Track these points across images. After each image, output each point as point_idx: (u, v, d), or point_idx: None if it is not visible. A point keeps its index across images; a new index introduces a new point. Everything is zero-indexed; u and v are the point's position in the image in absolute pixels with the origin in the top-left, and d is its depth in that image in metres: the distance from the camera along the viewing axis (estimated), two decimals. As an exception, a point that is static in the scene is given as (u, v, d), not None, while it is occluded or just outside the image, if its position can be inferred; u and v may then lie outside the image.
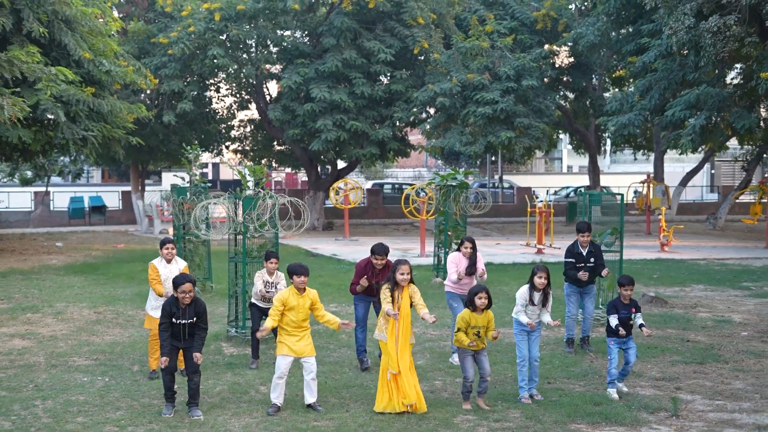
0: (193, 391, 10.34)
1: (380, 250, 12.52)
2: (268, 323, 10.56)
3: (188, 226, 18.53)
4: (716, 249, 30.34)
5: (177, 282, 10.29)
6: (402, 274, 10.69)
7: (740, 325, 16.01)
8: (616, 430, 9.74)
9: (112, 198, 47.46)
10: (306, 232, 37.67)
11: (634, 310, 11.40)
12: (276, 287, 12.86)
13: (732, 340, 14.66)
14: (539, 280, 11.05)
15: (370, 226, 43.46)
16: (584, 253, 13.85)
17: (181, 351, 10.51)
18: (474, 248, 13.33)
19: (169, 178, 49.02)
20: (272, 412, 10.35)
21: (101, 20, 29.42)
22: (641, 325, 11.44)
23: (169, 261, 12.54)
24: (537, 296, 11.12)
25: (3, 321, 16.71)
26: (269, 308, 12.38)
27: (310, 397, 10.60)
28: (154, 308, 12.29)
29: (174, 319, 10.26)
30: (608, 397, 10.97)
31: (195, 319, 10.35)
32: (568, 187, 57.72)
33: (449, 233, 21.02)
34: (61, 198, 46.67)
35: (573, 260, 13.89)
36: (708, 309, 17.82)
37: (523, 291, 11.21)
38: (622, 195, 17.86)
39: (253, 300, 13.23)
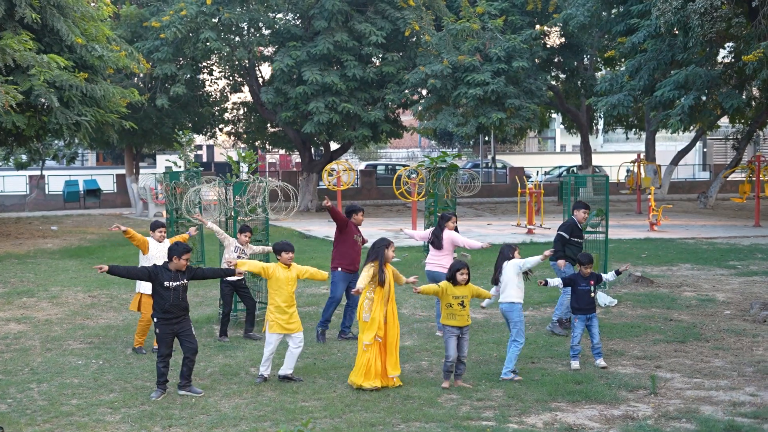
0: (188, 370, 10.65)
1: (357, 208, 14.23)
2: (248, 264, 11.32)
3: (180, 210, 18.78)
4: (705, 228, 30.62)
5: (181, 250, 10.64)
6: (393, 251, 11.30)
7: (723, 304, 16.30)
8: (595, 407, 10.03)
9: (106, 181, 47.67)
10: (299, 214, 37.99)
11: (593, 282, 11.91)
12: (245, 253, 13.61)
13: (714, 319, 14.94)
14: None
15: (364, 207, 43.60)
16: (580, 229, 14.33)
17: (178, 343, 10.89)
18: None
19: (163, 161, 49.21)
20: (258, 381, 11.10)
21: (93, 5, 29.51)
22: (617, 272, 12.37)
23: (160, 242, 13.08)
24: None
25: (-1, 305, 17.00)
26: (238, 280, 13.05)
27: (287, 369, 11.15)
28: (145, 287, 12.66)
29: (165, 282, 10.54)
30: (571, 367, 11.64)
31: (186, 280, 10.71)
32: (560, 167, 57.97)
33: (439, 215, 21.27)
34: (56, 181, 46.86)
35: (566, 234, 14.23)
36: (693, 288, 18.10)
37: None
38: (607, 176, 18.08)
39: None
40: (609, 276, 12.58)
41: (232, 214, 14.67)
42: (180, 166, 20.41)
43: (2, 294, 18.29)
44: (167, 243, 13.30)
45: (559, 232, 14.37)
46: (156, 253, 12.88)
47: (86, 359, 12.56)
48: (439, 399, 10.40)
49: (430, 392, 10.64)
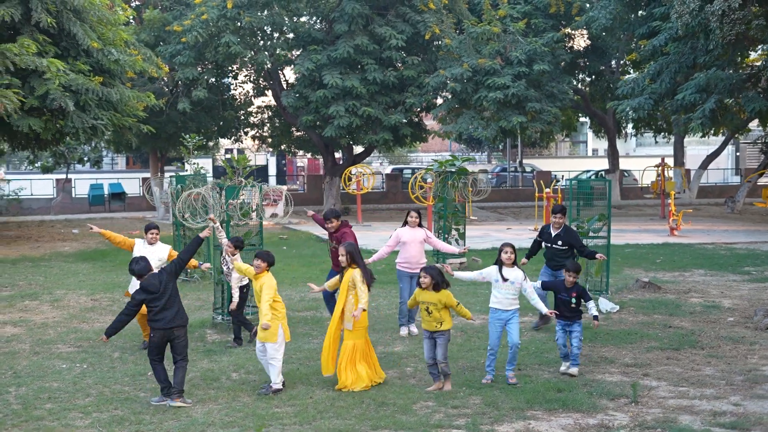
0: (180, 377, 10.48)
1: (330, 215, 14.09)
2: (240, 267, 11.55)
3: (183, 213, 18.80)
4: (727, 233, 30.19)
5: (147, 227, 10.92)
6: (342, 255, 11.31)
7: (728, 311, 15.99)
8: (571, 416, 9.83)
9: (132, 185, 47.90)
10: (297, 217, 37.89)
11: (575, 294, 11.59)
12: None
13: (715, 326, 14.65)
14: (505, 256, 11.26)
15: (386, 212, 43.57)
16: (552, 235, 14.06)
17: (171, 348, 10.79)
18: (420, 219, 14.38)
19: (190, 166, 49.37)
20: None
21: (111, 9, 29.64)
22: (595, 317, 11.76)
23: (151, 244, 13.03)
24: (509, 272, 11.31)
25: (0, 309, 17.03)
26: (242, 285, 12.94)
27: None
28: (134, 286, 12.64)
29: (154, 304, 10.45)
30: (568, 371, 11.51)
31: (170, 287, 10.58)
32: (588, 171, 57.50)
33: (448, 219, 21.11)
34: (82, 185, 47.15)
35: (539, 238, 14.15)
36: (700, 294, 17.78)
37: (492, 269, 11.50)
38: (610, 181, 17.83)
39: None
40: (592, 304, 11.95)
41: (225, 218, 14.58)
42: (196, 170, 20.42)
43: (7, 297, 18.37)
44: (160, 246, 13.33)
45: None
46: (145, 254, 12.74)
47: (71, 363, 12.54)
48: (414, 406, 10.25)
49: (407, 399, 10.49)
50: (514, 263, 11.36)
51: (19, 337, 14.35)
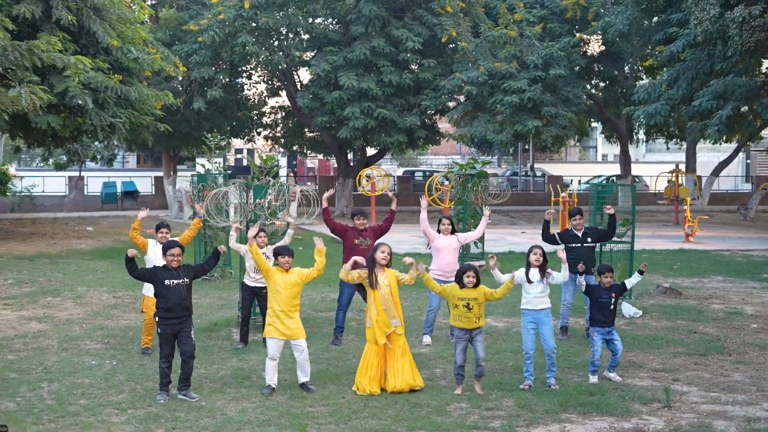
0: (186, 374, 10.63)
1: (358, 212, 14.41)
2: (255, 254, 11.23)
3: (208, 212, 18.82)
4: (742, 240, 30.17)
5: (166, 247, 10.83)
6: (381, 252, 11.19)
7: (751, 317, 16.00)
8: (605, 420, 9.85)
9: (145, 183, 48.00)
10: (335, 218, 37.91)
11: (614, 294, 11.60)
12: (266, 256, 13.40)
13: (740, 332, 14.67)
14: (534, 257, 11.34)
15: (399, 213, 43.40)
16: (579, 235, 14.07)
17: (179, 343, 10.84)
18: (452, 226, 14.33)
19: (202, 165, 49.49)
20: (266, 393, 10.76)
21: (132, 7, 29.73)
22: (640, 271, 12.07)
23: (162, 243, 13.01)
24: (534, 273, 11.34)
25: (24, 304, 17.09)
26: (257, 287, 13.15)
27: (303, 377, 11.02)
28: (149, 289, 12.68)
29: (165, 281, 10.56)
30: (590, 381, 11.40)
31: (187, 279, 10.69)
32: (599, 176, 57.50)
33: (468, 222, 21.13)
34: (94, 183, 47.24)
35: (558, 241, 14.16)
36: (722, 300, 17.80)
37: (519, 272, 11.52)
38: (633, 186, 17.85)
39: (245, 280, 13.64)
40: (633, 279, 12.20)
41: (252, 217, 14.62)
42: (216, 169, 20.49)
43: (29, 293, 18.43)
44: None
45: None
46: (155, 254, 12.82)
47: (100, 359, 12.57)
48: (448, 407, 10.27)
49: (440, 400, 10.51)
50: (542, 265, 11.37)
51: (45, 333, 14.39)
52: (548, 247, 12.56)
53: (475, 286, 10.93)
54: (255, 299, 13.84)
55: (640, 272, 12.17)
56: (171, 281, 10.54)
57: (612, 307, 11.55)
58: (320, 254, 11.27)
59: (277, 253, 11.18)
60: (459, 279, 10.98)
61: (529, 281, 11.32)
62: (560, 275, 11.57)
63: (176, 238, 12.57)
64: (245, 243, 13.64)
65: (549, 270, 11.39)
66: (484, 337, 11.23)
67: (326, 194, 13.95)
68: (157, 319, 10.67)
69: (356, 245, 13.94)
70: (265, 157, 15.36)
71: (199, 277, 11.22)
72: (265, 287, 13.48)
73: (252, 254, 11.28)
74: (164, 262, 10.82)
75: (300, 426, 8.30)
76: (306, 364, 10.98)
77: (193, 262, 12.89)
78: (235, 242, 13.45)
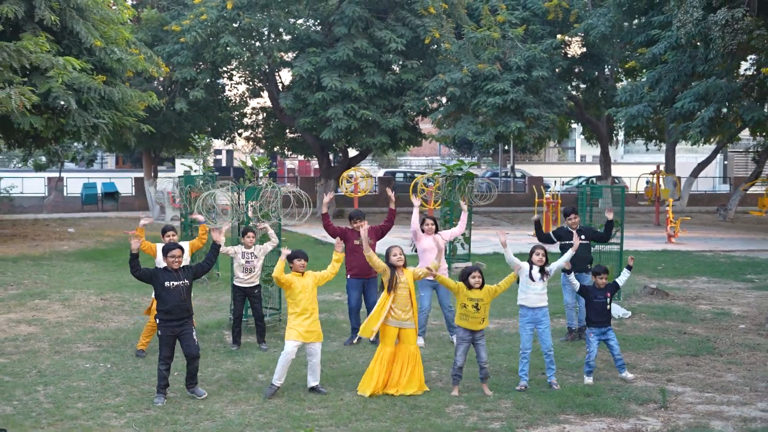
0: (192, 373, 10.70)
1: (356, 215, 14.15)
2: (279, 266, 11.01)
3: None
4: (723, 241, 30.39)
5: (166, 248, 10.87)
6: (395, 255, 11.17)
7: (739, 318, 16.14)
8: (604, 420, 9.91)
9: (125, 184, 47.76)
10: (316, 220, 37.86)
11: (609, 294, 11.72)
12: (255, 256, 13.56)
13: (729, 333, 14.79)
14: (537, 257, 11.46)
15: (381, 214, 43.41)
16: (574, 233, 14.20)
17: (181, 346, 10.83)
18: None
19: (182, 166, 49.27)
20: (269, 393, 10.74)
21: (114, 8, 29.59)
22: (628, 267, 12.20)
23: None
24: (536, 272, 11.44)
25: (11, 307, 16.98)
26: (249, 287, 12.93)
27: (313, 381, 11.01)
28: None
29: (165, 283, 10.57)
30: (585, 382, 11.46)
31: (187, 280, 10.71)
32: (579, 177, 57.74)
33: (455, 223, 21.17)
34: (74, 184, 46.96)
35: (554, 239, 14.44)
36: (708, 301, 17.94)
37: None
38: (623, 188, 17.97)
39: (235, 282, 13.62)
40: (623, 276, 12.29)
41: (245, 219, 14.60)
42: (196, 171, 20.43)
43: (15, 295, 18.32)
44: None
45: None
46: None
47: (94, 362, 12.52)
48: (446, 409, 10.31)
49: (438, 402, 10.55)
50: (544, 267, 11.44)
51: (36, 336, 14.31)
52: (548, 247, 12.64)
53: (481, 287, 10.97)
54: (247, 300, 13.86)
55: (629, 267, 12.28)
56: (171, 283, 10.55)
57: (608, 307, 11.65)
58: (338, 258, 11.40)
59: (292, 257, 11.15)
60: (465, 280, 11.00)
61: (533, 279, 11.38)
62: (556, 263, 11.72)
63: (186, 242, 12.58)
64: (236, 244, 13.70)
65: (547, 269, 11.48)
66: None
67: (326, 200, 13.91)
68: (158, 321, 10.66)
69: (357, 246, 13.94)
70: (257, 159, 15.33)
71: (200, 276, 11.18)
72: (256, 287, 13.57)
73: (276, 280, 11.16)
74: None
75: (306, 428, 8.31)
76: (317, 368, 11.02)
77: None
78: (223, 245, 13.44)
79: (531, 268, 11.44)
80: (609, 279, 16.14)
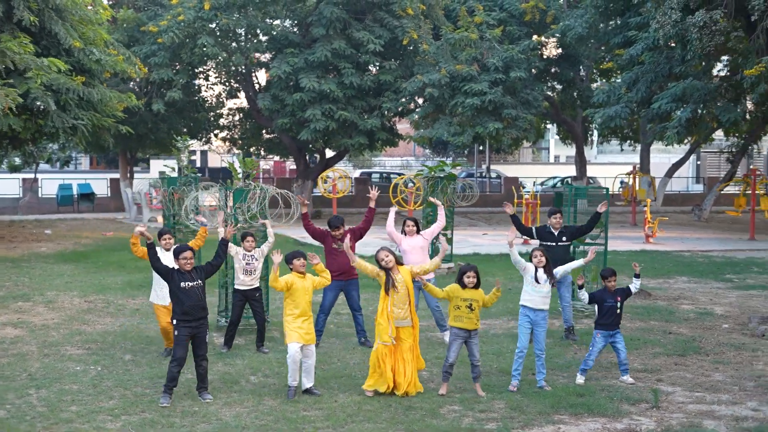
0: (202, 375, 10.76)
1: (336, 222, 14.12)
2: (278, 279, 11.05)
3: (178, 216, 18.68)
4: (700, 241, 30.65)
5: (177, 251, 10.85)
6: (382, 260, 11.19)
7: (722, 318, 16.30)
8: (598, 420, 9.99)
9: (100, 185, 47.54)
10: (295, 221, 37.88)
11: (619, 298, 11.72)
12: (255, 258, 13.57)
13: (713, 333, 14.95)
14: (536, 260, 11.58)
15: (358, 215, 43.44)
16: (555, 234, 14.31)
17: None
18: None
19: (157, 166, 49.05)
20: (291, 395, 10.80)
21: (91, 9, 29.44)
22: (636, 275, 12.29)
23: (167, 250, 12.75)
24: (542, 274, 11.53)
25: (-5, 309, 16.90)
26: (249, 290, 12.91)
27: (308, 382, 11.03)
28: (158, 297, 12.65)
29: (182, 284, 10.61)
30: (575, 381, 11.57)
31: (201, 281, 10.76)
32: (554, 178, 58.01)
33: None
34: (49, 185, 46.68)
35: (534, 236, 14.79)
36: (691, 301, 18.11)
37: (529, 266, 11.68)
38: (607, 189, 18.10)
39: (236, 285, 13.58)
40: (635, 285, 12.35)
41: (232, 220, 14.57)
42: (172, 170, 20.32)
43: (-2, 297, 18.22)
44: None
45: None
46: (164, 261, 12.65)
47: (84, 365, 12.48)
48: (441, 410, 10.36)
49: (433, 403, 10.60)
50: (545, 267, 11.52)
51: (23, 339, 14.24)
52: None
53: (476, 286, 11.03)
54: (246, 303, 13.80)
55: (637, 276, 12.29)
56: (186, 284, 10.59)
57: (618, 311, 11.68)
58: (321, 269, 11.44)
59: (291, 257, 11.21)
60: (460, 279, 11.06)
61: (537, 281, 11.45)
62: (562, 268, 12.26)
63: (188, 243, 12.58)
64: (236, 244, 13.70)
65: (554, 272, 11.60)
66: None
67: (304, 200, 13.95)
68: (174, 322, 10.64)
69: (335, 249, 14.00)
70: (246, 161, 15.32)
71: (211, 275, 11.16)
72: (257, 289, 13.53)
73: (274, 288, 11.20)
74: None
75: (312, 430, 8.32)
76: (312, 370, 11.07)
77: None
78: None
79: (536, 271, 11.49)
80: (593, 280, 16.38)
